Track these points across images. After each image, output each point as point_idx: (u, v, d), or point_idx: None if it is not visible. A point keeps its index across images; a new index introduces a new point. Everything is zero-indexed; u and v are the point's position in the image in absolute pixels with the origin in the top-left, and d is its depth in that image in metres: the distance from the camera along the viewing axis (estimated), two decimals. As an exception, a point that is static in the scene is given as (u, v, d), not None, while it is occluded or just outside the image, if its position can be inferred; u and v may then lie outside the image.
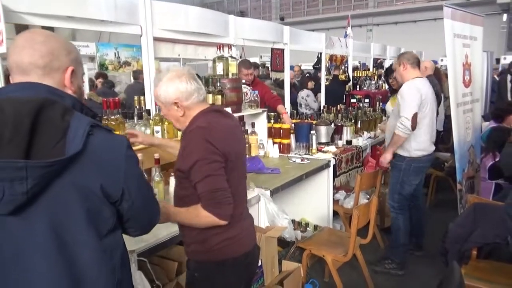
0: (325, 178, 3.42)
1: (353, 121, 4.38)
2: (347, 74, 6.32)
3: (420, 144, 3.11)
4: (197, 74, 1.70)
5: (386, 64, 7.18)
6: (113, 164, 1.03)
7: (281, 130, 3.66)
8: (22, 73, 1.04)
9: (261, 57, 10.96)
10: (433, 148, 3.25)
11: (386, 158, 3.14)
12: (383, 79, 5.99)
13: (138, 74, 6.66)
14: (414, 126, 2.96)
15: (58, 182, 0.95)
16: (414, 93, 2.99)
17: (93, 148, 0.98)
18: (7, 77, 1.83)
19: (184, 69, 1.60)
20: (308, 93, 6.45)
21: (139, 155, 2.03)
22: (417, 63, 3.16)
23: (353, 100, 5.11)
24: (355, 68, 6.96)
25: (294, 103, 6.32)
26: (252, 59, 6.62)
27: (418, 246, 3.53)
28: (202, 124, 1.51)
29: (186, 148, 1.51)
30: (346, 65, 6.46)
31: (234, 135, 1.61)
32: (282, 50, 4.53)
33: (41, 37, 1.05)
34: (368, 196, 3.71)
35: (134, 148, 2.08)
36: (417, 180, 3.22)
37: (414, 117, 2.94)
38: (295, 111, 4.90)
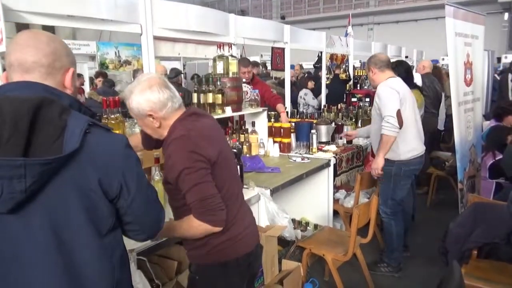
0: (326, 177, 3.41)
1: (353, 120, 4.37)
2: (347, 73, 6.31)
3: (408, 145, 3.00)
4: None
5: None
6: (111, 162, 1.04)
7: (282, 129, 3.66)
8: (24, 71, 1.04)
9: (261, 56, 10.95)
10: (423, 148, 3.15)
11: (379, 163, 2.97)
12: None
13: (136, 73, 6.66)
14: (401, 123, 2.86)
15: (57, 180, 0.96)
16: (391, 91, 2.93)
17: (91, 146, 0.99)
18: None
19: (155, 77, 1.53)
20: (306, 92, 6.49)
21: (139, 154, 2.03)
22: (385, 65, 3.08)
23: (354, 99, 5.11)
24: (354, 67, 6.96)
25: (295, 102, 6.32)
26: (252, 58, 6.61)
27: (404, 246, 3.47)
28: (181, 133, 1.47)
29: (169, 160, 1.48)
30: (347, 64, 6.45)
31: (214, 134, 1.58)
32: (283, 49, 4.52)
33: (44, 37, 1.07)
34: (368, 196, 3.71)
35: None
36: (408, 184, 3.16)
37: (399, 114, 2.86)
38: (295, 110, 4.89)
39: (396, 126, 2.84)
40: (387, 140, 2.91)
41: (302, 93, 6.50)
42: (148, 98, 1.47)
